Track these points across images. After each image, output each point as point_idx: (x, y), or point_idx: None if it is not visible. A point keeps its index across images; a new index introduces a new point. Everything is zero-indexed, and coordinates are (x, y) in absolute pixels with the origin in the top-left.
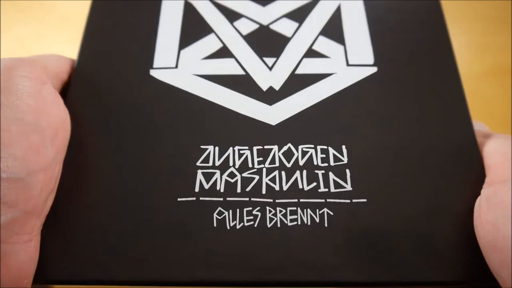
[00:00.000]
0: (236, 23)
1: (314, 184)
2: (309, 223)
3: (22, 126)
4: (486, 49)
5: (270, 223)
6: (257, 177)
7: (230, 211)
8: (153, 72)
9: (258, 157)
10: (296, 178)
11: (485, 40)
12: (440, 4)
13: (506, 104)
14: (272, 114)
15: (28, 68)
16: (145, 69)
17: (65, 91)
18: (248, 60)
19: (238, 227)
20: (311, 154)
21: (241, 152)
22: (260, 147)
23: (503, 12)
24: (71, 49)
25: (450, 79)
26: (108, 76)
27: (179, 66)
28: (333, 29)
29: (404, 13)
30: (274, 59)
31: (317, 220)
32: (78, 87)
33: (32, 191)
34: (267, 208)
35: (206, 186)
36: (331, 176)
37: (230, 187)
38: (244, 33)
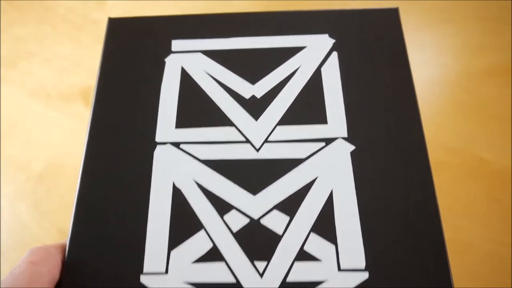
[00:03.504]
0: (226, 217)
1: None
2: None
3: None
4: (486, 49)
5: None
6: None
7: None
8: (143, 279)
9: None
10: None
11: (485, 40)
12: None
13: (506, 104)
14: None
15: None
16: (135, 274)
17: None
18: (239, 265)
19: None
20: None
21: None
22: None
23: (503, 12)
24: (70, 49)
25: None
26: (99, 281)
27: (170, 272)
28: (324, 224)
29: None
30: (265, 263)
31: None
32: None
33: None
34: None
35: None
36: None
37: None
38: (235, 229)
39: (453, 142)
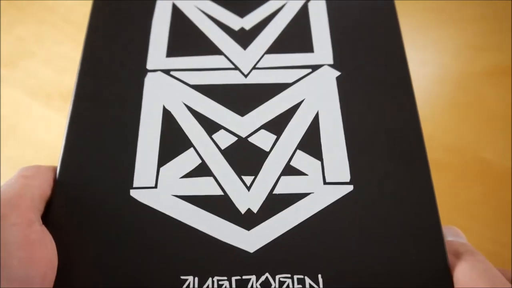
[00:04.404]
0: (215, 136)
1: None
2: None
3: (13, 283)
4: (486, 49)
5: None
6: None
7: None
8: (133, 193)
9: None
10: None
11: (485, 40)
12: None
13: (506, 104)
14: (250, 240)
15: (16, 213)
16: (125, 188)
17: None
18: (227, 179)
19: None
20: (288, 285)
21: (220, 283)
22: (239, 277)
23: (502, 12)
24: (70, 49)
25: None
26: (89, 196)
27: (159, 186)
28: (311, 141)
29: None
30: (252, 177)
31: None
32: (60, 208)
33: None
34: None
35: None
36: None
37: None
38: (223, 147)
39: (453, 142)
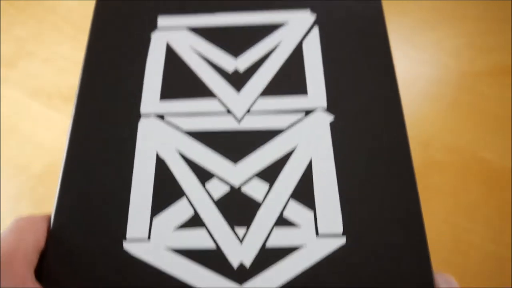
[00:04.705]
0: (207, 185)
1: None
2: None
3: None
4: (486, 49)
5: None
6: None
7: None
8: (126, 245)
9: None
10: None
11: (485, 40)
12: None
13: (506, 104)
14: None
15: (9, 273)
16: (118, 239)
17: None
18: (219, 231)
19: None
20: None
21: None
22: None
23: (503, 12)
24: (70, 49)
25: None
26: (83, 248)
27: (152, 237)
28: (303, 191)
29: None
30: (245, 229)
31: None
32: (53, 261)
33: None
34: None
35: None
36: None
37: None
38: (216, 197)
39: (453, 142)
